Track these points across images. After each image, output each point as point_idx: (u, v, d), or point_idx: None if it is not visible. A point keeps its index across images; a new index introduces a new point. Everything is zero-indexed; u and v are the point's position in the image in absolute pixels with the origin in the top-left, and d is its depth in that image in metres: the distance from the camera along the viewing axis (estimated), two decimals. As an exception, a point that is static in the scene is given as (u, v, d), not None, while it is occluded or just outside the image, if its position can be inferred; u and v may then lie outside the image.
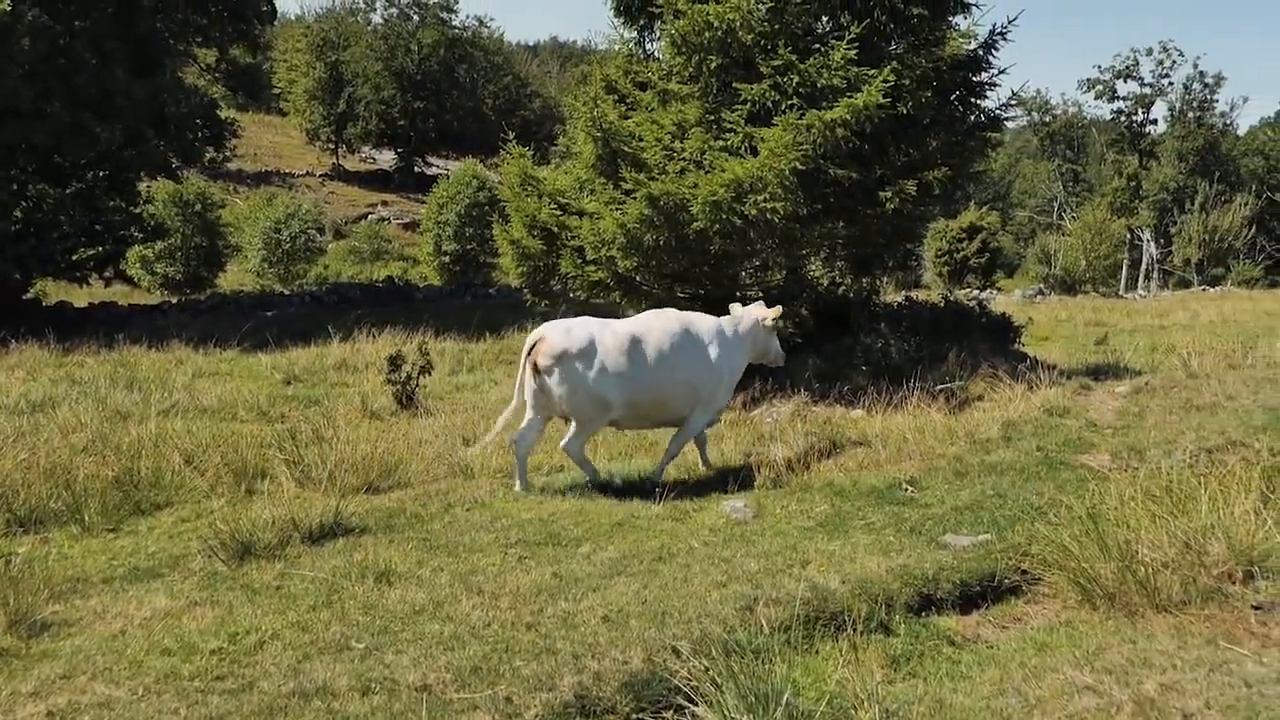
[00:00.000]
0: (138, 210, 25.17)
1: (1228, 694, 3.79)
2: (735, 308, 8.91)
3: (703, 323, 8.44)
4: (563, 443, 8.27)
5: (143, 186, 26.79)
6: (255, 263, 34.76)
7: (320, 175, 52.76)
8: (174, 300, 28.69)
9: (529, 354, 7.90)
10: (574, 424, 8.12)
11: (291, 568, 5.99)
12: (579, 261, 12.41)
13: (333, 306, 27.42)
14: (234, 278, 35.09)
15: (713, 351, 8.33)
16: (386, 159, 57.13)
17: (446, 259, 34.91)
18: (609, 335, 7.90)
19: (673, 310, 8.68)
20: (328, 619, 5.11)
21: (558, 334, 7.85)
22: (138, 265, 31.36)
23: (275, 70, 56.72)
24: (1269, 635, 4.32)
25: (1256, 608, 4.65)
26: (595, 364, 7.79)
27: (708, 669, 4.36)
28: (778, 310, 8.92)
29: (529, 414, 8.19)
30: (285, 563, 6.10)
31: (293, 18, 66.54)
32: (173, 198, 30.91)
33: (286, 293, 30.66)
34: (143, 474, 8.17)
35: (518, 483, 8.08)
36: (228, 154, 33.84)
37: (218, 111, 29.89)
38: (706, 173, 11.35)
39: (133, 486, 7.90)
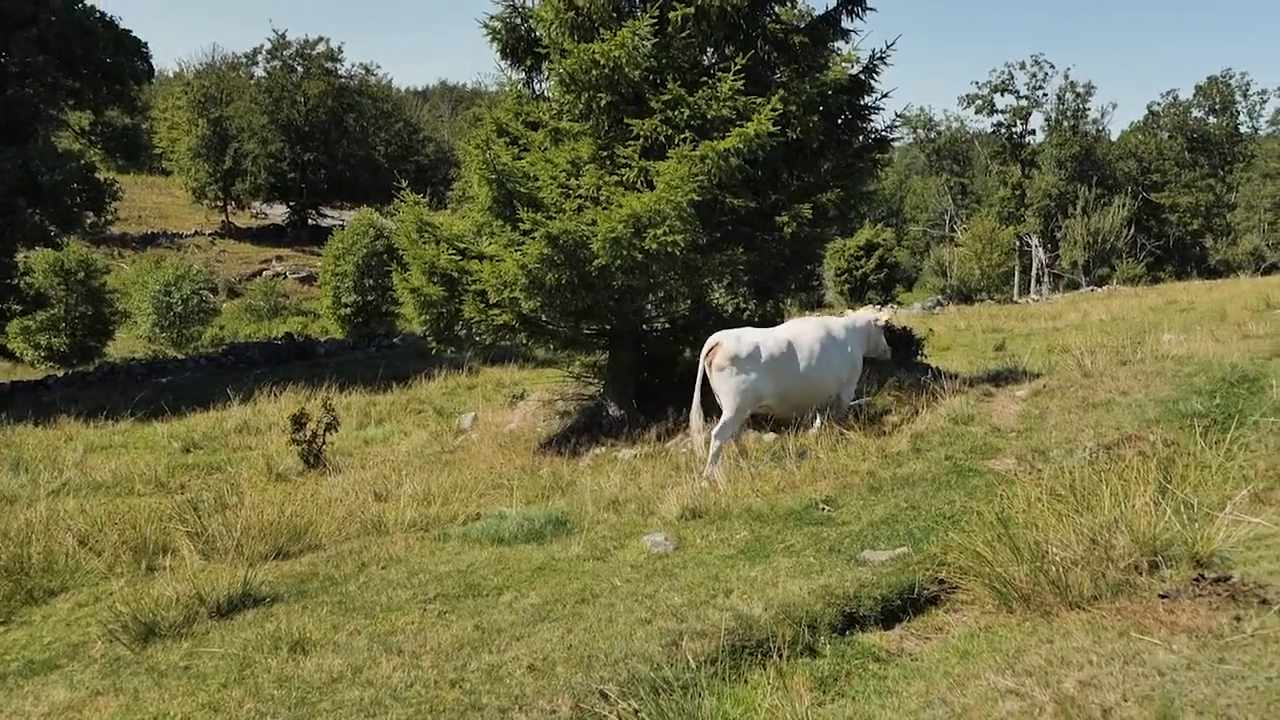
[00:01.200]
0: (14, 281, 24.17)
1: (1143, 684, 3.88)
2: (851, 311, 10.97)
3: (836, 324, 10.45)
4: (714, 430, 9.46)
5: (20, 256, 25.77)
6: (146, 328, 33.64)
7: (210, 234, 51.51)
8: (60, 373, 27.53)
9: (707, 355, 9.54)
10: (726, 415, 9.48)
11: (200, 645, 5.72)
12: (482, 306, 12.30)
13: (231, 368, 26.70)
14: (124, 345, 33.88)
15: (849, 346, 10.34)
16: (278, 213, 56.09)
17: (347, 311, 34.32)
18: (770, 341, 9.69)
19: (813, 317, 10.76)
20: (240, 696, 4.89)
21: (730, 341, 9.55)
22: (19, 338, 30.08)
23: (156, 129, 55.34)
24: (1177, 622, 4.45)
25: (1163, 596, 4.79)
26: (759, 365, 9.50)
27: (636, 711, 4.32)
28: (889, 312, 11.69)
29: (728, 416, 9.53)
30: (193, 641, 5.83)
31: (171, 75, 65.23)
32: (53, 266, 29.79)
33: (181, 357, 29.76)
34: (34, 559, 7.78)
35: (706, 469, 9.26)
36: (109, 217, 32.83)
37: (95, 175, 29.02)
38: (604, 209, 11.40)
39: (23, 574, 7.51)
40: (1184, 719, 3.61)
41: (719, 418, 9.57)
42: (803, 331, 10.00)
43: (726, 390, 9.47)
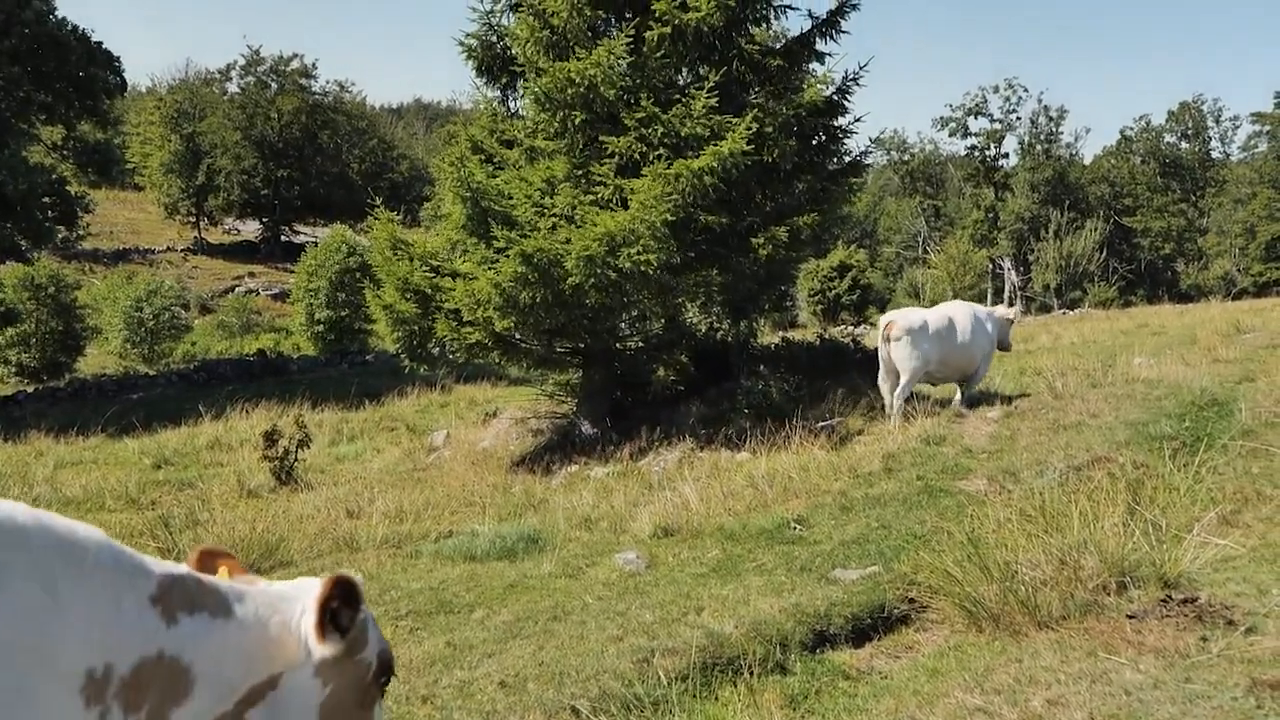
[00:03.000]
0: (-16, 296, 23.91)
1: (1109, 703, 3.91)
2: (983, 308, 12.65)
3: (981, 310, 12.48)
4: (896, 393, 11.50)
5: (-11, 271, 25.55)
6: (117, 344, 33.21)
7: (182, 250, 51.08)
8: (30, 389, 27.16)
9: (884, 330, 11.59)
10: (904, 379, 11.54)
11: (169, 664, 5.65)
12: (455, 324, 12.27)
13: (203, 385, 26.46)
14: (95, 361, 33.45)
15: (989, 327, 12.27)
16: (251, 229, 55.70)
17: (320, 328, 34.06)
18: (935, 317, 11.76)
19: (963, 302, 12.82)
20: (207, 716, 4.83)
21: (904, 318, 11.71)
22: (-12, 354, 29.70)
23: (128, 144, 54.90)
24: (1144, 643, 4.49)
25: (1131, 617, 4.84)
26: (928, 336, 11.47)
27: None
28: (1017, 310, 13.96)
29: (889, 379, 11.66)
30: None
31: (144, 90, 64.84)
32: (23, 281, 29.39)
33: (152, 373, 29.44)
34: None
35: (892, 420, 11.25)
36: (80, 232, 32.49)
37: (67, 188, 28.74)
38: (578, 227, 11.42)
39: (-12, 593, 7.38)
40: (1150, 737, 3.64)
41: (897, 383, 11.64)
42: (958, 312, 12.06)
43: (902, 357, 11.44)
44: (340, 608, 2.31)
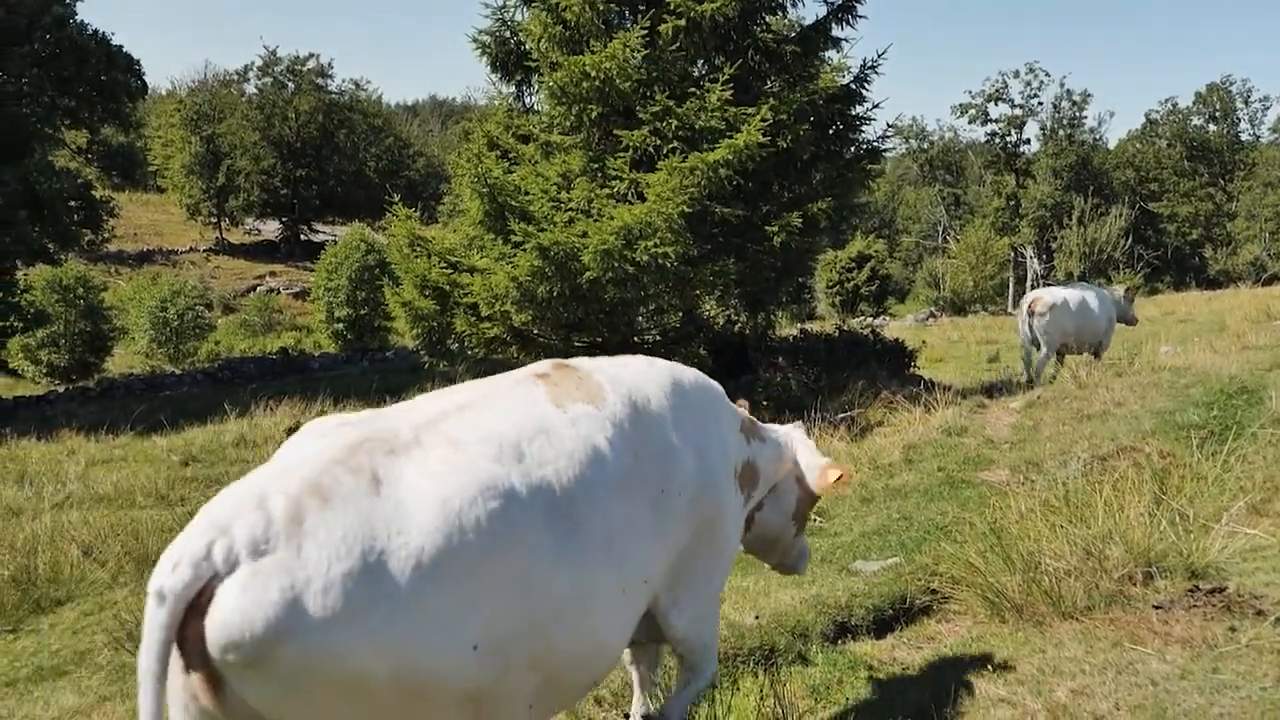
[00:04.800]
0: (15, 299, 24.15)
1: (1135, 694, 3.85)
2: (1106, 288, 14.69)
3: (1105, 291, 14.47)
4: (1036, 362, 13.70)
5: (20, 274, 25.81)
6: (143, 344, 33.60)
7: (204, 250, 51.48)
8: (61, 389, 27.48)
9: (1029, 307, 13.81)
10: (1044, 350, 13.70)
11: (202, 653, 5.73)
12: (473, 319, 12.29)
13: (227, 383, 26.65)
14: (122, 361, 33.83)
15: (1111, 305, 14.14)
16: (271, 229, 56.05)
17: (340, 326, 34.29)
18: (1073, 296, 13.75)
19: (1086, 283, 14.91)
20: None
21: (1046, 294, 13.91)
22: (20, 355, 30.07)
23: (150, 147, 55.38)
24: (1171, 633, 4.42)
25: (1157, 607, 4.76)
26: (1064, 312, 13.55)
27: (629, 715, 4.28)
28: (1133, 290, 15.39)
29: (1030, 349, 14.08)
30: (195, 649, 5.84)
31: (164, 93, 65.27)
32: (52, 284, 29.75)
33: (178, 372, 29.69)
34: (40, 570, 7.84)
35: (1032, 375, 13.66)
36: (106, 235, 32.83)
37: (92, 192, 29.03)
38: (595, 221, 11.40)
39: (30, 584, 7.58)
40: (1177, 729, 3.58)
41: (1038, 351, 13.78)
42: (1088, 294, 13.96)
43: (1044, 329, 13.45)
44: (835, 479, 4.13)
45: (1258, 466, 6.85)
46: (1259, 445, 7.44)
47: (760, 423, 4.18)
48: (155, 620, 2.24)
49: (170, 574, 2.27)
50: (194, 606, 2.25)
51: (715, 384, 3.82)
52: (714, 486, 3.49)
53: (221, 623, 2.22)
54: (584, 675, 3.01)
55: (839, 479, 4.09)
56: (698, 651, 3.69)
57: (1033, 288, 60.16)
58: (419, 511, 2.48)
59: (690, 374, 3.67)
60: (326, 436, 2.70)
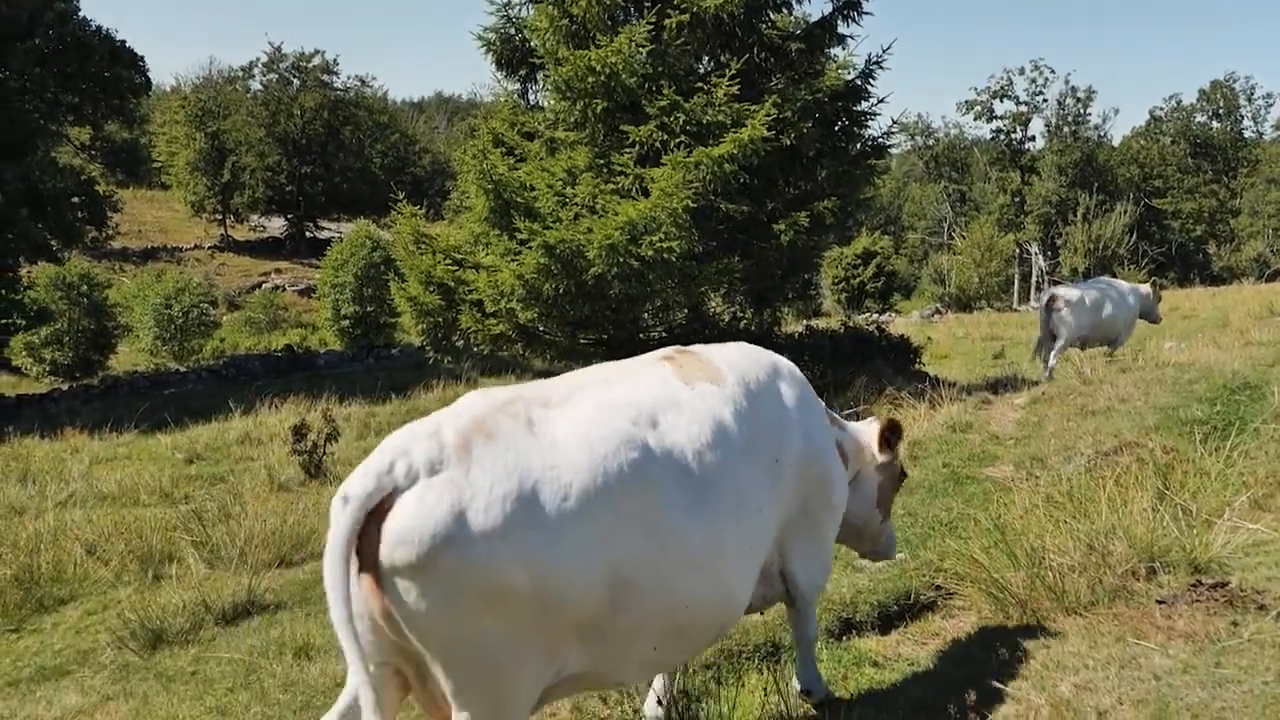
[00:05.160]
0: (19, 297, 24.20)
1: (1138, 688, 3.88)
2: (1128, 284, 15.01)
3: (1127, 286, 14.86)
4: (1053, 354, 14.24)
5: (23, 272, 25.86)
6: (148, 341, 33.66)
7: (209, 247, 51.54)
8: (65, 386, 27.54)
9: (1048, 304, 14.39)
10: (1060, 342, 14.22)
11: (206, 651, 5.79)
12: (479, 315, 12.33)
13: (232, 380, 26.69)
14: (127, 359, 33.90)
15: (1131, 301, 14.54)
16: (277, 226, 56.10)
17: (346, 323, 34.32)
18: (1091, 292, 14.19)
19: (1108, 278, 15.49)
20: (247, 700, 4.94)
21: (1064, 290, 14.49)
22: (24, 353, 30.13)
23: (154, 144, 55.41)
24: (1174, 628, 4.45)
25: (1160, 602, 4.79)
26: (1084, 307, 14.01)
27: (635, 713, 4.32)
28: (1156, 286, 15.78)
29: (1047, 342, 14.47)
30: (200, 647, 5.90)
31: (168, 89, 65.33)
32: (55, 281, 29.81)
33: (183, 370, 29.75)
34: (43, 569, 7.84)
35: (1046, 368, 14.17)
36: (110, 231, 32.88)
37: (96, 188, 29.05)
38: (600, 217, 11.42)
39: (33, 583, 7.57)
40: (1179, 722, 3.61)
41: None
42: (1106, 289, 14.38)
43: (1061, 324, 13.96)
44: (892, 435, 4.54)
45: (1260, 462, 6.86)
46: (1262, 441, 7.46)
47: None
48: (339, 519, 2.69)
49: (357, 481, 2.73)
50: (373, 513, 2.69)
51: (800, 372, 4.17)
52: (819, 454, 3.93)
53: (397, 526, 2.66)
54: (712, 622, 3.41)
55: (888, 429, 4.51)
56: (810, 600, 4.18)
57: (1038, 285, 60.27)
58: (568, 452, 2.94)
59: (785, 361, 4.09)
60: (492, 392, 3.18)
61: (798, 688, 4.43)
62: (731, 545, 3.32)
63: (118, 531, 8.91)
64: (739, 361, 3.82)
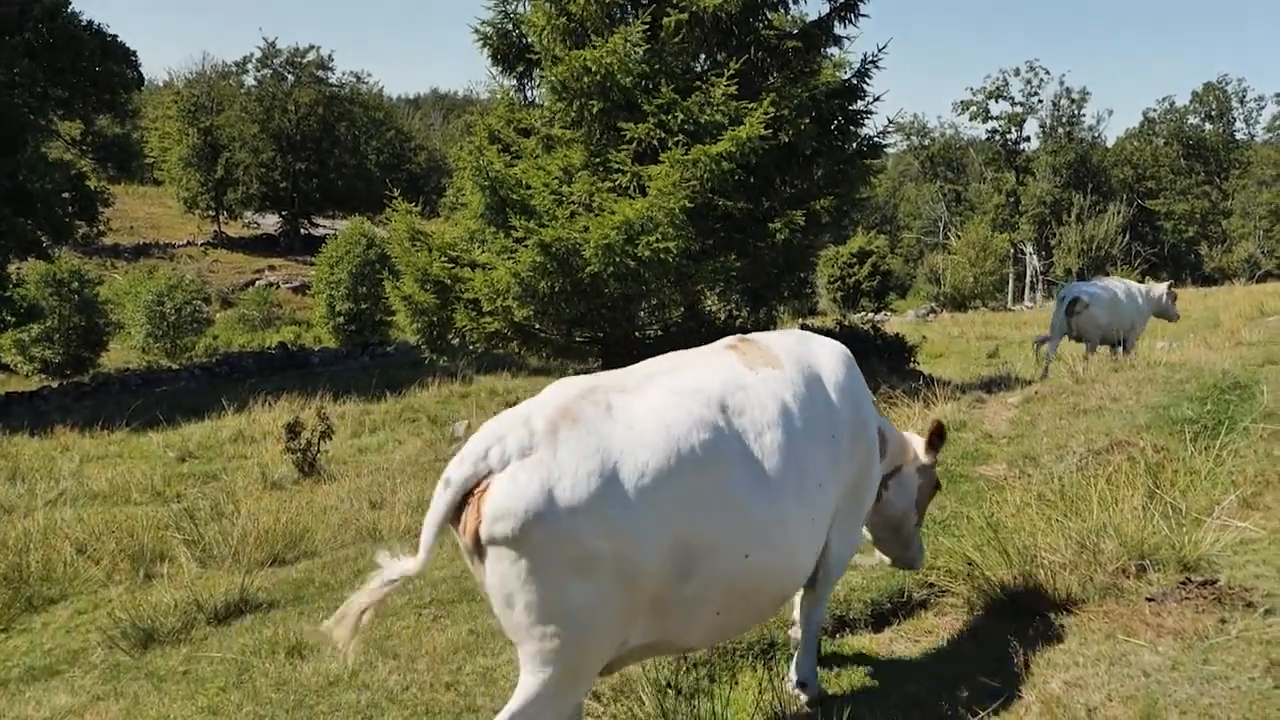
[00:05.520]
0: (8, 294, 24.12)
1: (1128, 685, 3.93)
2: (1141, 285, 15.52)
3: (1140, 287, 15.24)
4: (1050, 349, 14.93)
5: (13, 268, 25.76)
6: (140, 339, 33.53)
7: (202, 244, 51.42)
8: (55, 384, 27.47)
9: (1068, 307, 14.63)
10: (1053, 341, 14.98)
11: (198, 651, 5.78)
12: (474, 314, 12.33)
13: (225, 378, 26.67)
14: (118, 356, 33.79)
15: (1141, 302, 14.88)
16: (271, 223, 55.96)
17: (341, 320, 34.26)
18: (1105, 293, 14.59)
19: (1120, 278, 15.77)
20: (239, 700, 4.95)
21: (1081, 290, 14.80)
22: (13, 350, 30.03)
23: (147, 139, 55.18)
24: (1163, 625, 4.50)
25: (1150, 600, 4.84)
26: (1102, 307, 14.43)
27: (630, 711, 4.35)
28: (1168, 288, 15.90)
29: (1055, 340, 15.00)
30: (191, 646, 5.89)
31: (161, 84, 65.14)
32: (45, 277, 29.70)
33: (175, 367, 29.70)
34: (32, 568, 7.83)
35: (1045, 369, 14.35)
36: (101, 227, 32.72)
37: (87, 184, 28.94)
38: (597, 216, 11.44)
39: (22, 582, 7.56)
40: (1167, 718, 3.66)
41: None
42: (1119, 289, 14.72)
43: (1080, 323, 14.44)
44: (936, 439, 4.66)
45: (1249, 461, 6.93)
46: (1251, 440, 7.52)
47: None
48: (439, 500, 3.12)
49: (457, 467, 3.14)
50: (470, 494, 3.09)
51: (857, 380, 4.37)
52: (867, 436, 4.22)
53: (493, 504, 3.03)
54: (775, 591, 3.75)
55: (936, 433, 4.68)
56: (832, 580, 4.43)
57: (1032, 285, 60.47)
58: (645, 434, 3.25)
59: (840, 347, 4.33)
60: (573, 382, 3.48)
61: (794, 679, 4.53)
62: (794, 518, 3.61)
63: (108, 530, 8.90)
64: (795, 347, 4.11)
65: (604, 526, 3.06)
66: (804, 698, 4.47)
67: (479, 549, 3.10)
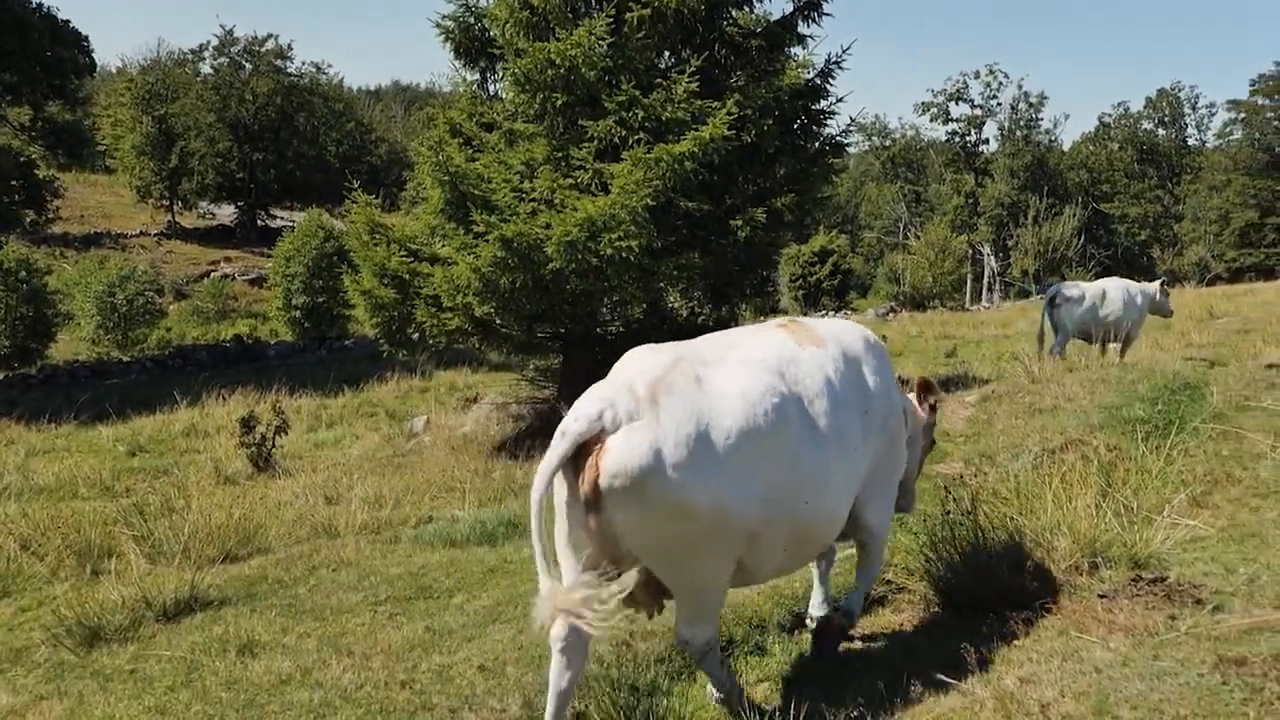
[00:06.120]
0: (-50, 283, 23.55)
1: (1080, 681, 3.97)
2: (1135, 284, 15.34)
3: (1134, 285, 15.14)
4: (1053, 346, 14.52)
5: (-44, 258, 25.18)
6: (90, 330, 32.75)
7: (155, 234, 50.37)
8: (1, 376, 26.86)
9: (1053, 299, 14.88)
10: (1060, 335, 14.61)
11: (146, 649, 5.64)
12: (434, 309, 12.23)
13: (178, 370, 26.29)
14: (67, 347, 33.01)
15: (1139, 300, 14.83)
16: (227, 213, 55.00)
17: (298, 313, 33.72)
18: (1091, 290, 14.77)
19: (1117, 278, 15.55)
20: (188, 699, 4.84)
21: (1067, 288, 15.02)
22: (-43, 341, 29.26)
23: (99, 126, 53.99)
24: (1115, 622, 4.56)
25: (1102, 596, 4.91)
26: (1083, 304, 14.50)
27: (588, 709, 4.34)
28: (1161, 285, 15.85)
29: (1049, 335, 14.78)
30: (139, 644, 5.75)
31: (114, 70, 63.87)
32: (-11, 267, 28.95)
33: (126, 360, 29.16)
34: (-26, 565, 7.61)
35: (1052, 355, 14.02)
36: (50, 215, 31.97)
37: (36, 171, 28.31)
38: (559, 212, 11.39)
39: (-37, 579, 7.35)
40: (1119, 714, 3.70)
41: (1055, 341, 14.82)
42: (1110, 286, 14.87)
43: (1063, 319, 14.57)
44: (925, 394, 5.30)
45: (1199, 460, 7.05)
46: (1200, 440, 7.66)
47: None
48: (556, 448, 3.59)
49: (573, 423, 3.61)
50: (582, 449, 3.59)
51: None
52: (896, 414, 4.74)
53: (611, 462, 3.55)
54: (823, 536, 4.37)
55: (923, 389, 5.28)
56: (879, 540, 4.95)
57: (989, 286, 61.27)
58: (729, 400, 3.80)
59: (874, 336, 4.83)
60: (657, 352, 4.01)
61: (842, 607, 5.05)
62: (837, 475, 4.18)
63: (54, 525, 8.67)
64: (837, 331, 4.67)
65: (700, 480, 3.62)
66: (845, 624, 5.02)
67: (596, 497, 3.61)
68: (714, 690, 4.35)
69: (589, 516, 3.66)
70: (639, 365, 3.88)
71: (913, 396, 5.32)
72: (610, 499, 3.58)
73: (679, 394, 3.71)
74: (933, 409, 5.32)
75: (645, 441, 3.56)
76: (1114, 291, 14.81)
